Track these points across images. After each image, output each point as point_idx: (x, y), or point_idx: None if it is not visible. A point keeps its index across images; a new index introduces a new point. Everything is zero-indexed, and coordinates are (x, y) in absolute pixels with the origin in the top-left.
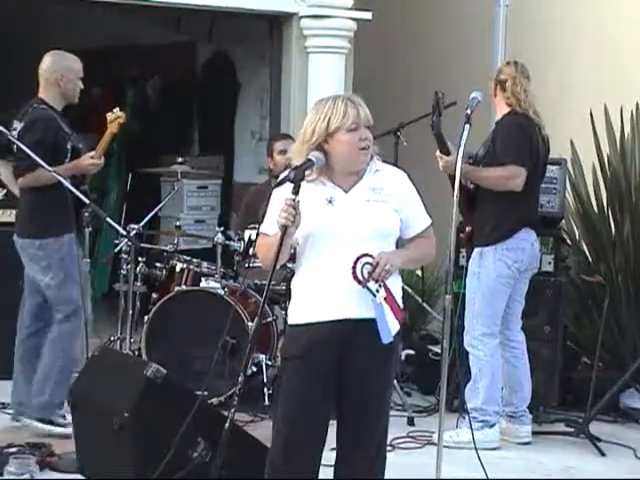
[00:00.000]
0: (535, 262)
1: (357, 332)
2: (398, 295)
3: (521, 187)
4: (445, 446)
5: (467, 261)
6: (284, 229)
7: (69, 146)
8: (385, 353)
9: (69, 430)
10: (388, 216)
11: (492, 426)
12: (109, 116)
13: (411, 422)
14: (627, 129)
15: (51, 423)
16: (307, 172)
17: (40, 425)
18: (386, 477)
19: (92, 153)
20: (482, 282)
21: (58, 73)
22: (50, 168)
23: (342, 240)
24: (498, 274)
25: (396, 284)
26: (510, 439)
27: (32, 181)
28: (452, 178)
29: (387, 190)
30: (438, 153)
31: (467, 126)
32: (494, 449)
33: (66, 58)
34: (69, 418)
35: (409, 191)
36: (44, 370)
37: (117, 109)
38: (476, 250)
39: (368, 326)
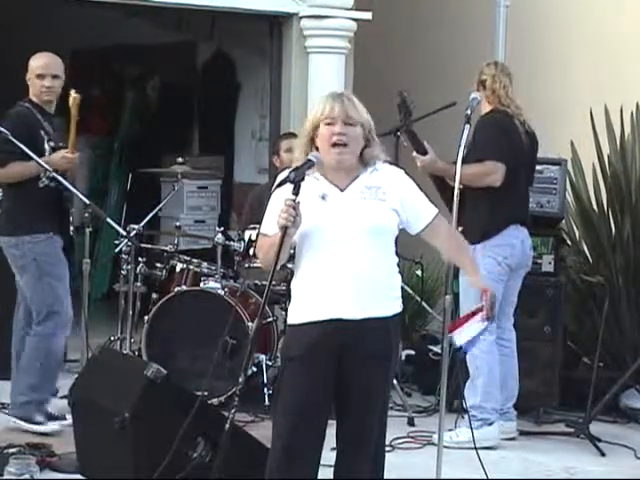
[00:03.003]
0: (527, 259)
1: (356, 332)
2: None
3: (499, 183)
4: (445, 446)
5: None
6: (284, 230)
7: (48, 146)
8: (384, 353)
9: (48, 428)
10: (384, 214)
11: (491, 424)
12: (70, 101)
13: (411, 422)
14: (627, 129)
15: (30, 421)
16: (305, 172)
17: (20, 422)
18: (386, 477)
19: (65, 151)
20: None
21: (28, 74)
22: (44, 164)
23: (337, 238)
24: (488, 271)
25: (395, 284)
26: (495, 436)
27: (3, 176)
28: (432, 178)
29: (384, 189)
30: (415, 154)
31: (467, 126)
32: (494, 448)
33: (33, 58)
34: (68, 415)
35: (408, 186)
36: (21, 370)
37: (73, 91)
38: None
39: (367, 326)
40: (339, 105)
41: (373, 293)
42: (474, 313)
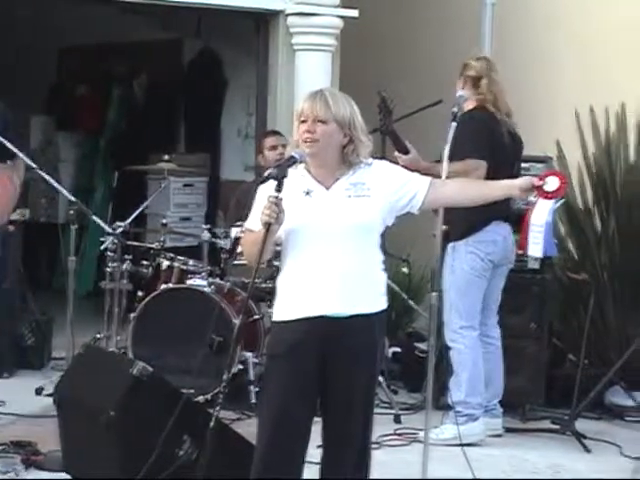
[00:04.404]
0: (509, 256)
1: (341, 328)
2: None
3: (481, 180)
4: (431, 443)
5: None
6: (267, 226)
7: None
8: (369, 350)
9: None
10: (368, 211)
11: (476, 419)
12: None
13: (397, 420)
14: (612, 129)
15: None
16: (288, 169)
17: None
18: (372, 476)
19: None
20: (456, 275)
21: None
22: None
23: (322, 236)
24: (471, 267)
25: (380, 280)
26: (480, 432)
27: None
28: None
29: (369, 185)
30: (396, 153)
31: (454, 124)
32: (480, 445)
33: None
34: None
35: (393, 173)
36: None
37: None
38: (450, 245)
39: (352, 322)
40: (311, 103)
41: (358, 290)
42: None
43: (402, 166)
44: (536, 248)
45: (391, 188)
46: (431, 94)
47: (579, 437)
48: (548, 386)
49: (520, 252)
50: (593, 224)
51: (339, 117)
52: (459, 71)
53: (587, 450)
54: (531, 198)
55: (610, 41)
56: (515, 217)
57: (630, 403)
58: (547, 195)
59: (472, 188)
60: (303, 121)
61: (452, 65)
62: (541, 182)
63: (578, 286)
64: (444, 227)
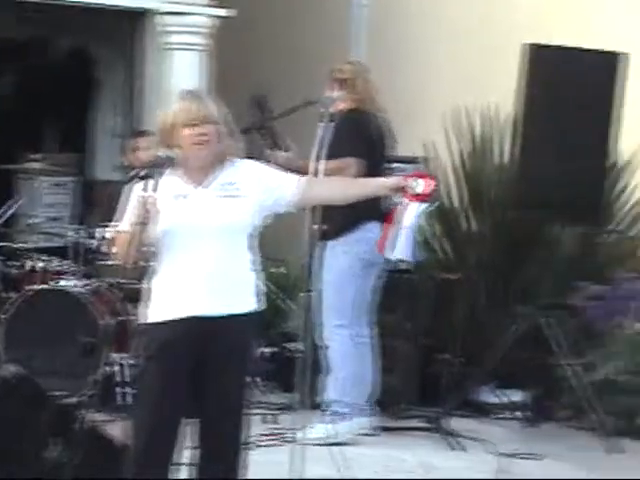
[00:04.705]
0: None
1: (212, 329)
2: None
3: (356, 178)
4: (305, 443)
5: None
6: (138, 227)
7: None
8: (240, 351)
9: None
10: (238, 211)
11: (350, 418)
12: None
13: (272, 420)
14: (485, 128)
15: None
16: (159, 169)
17: None
18: (247, 476)
19: None
20: (332, 274)
21: None
22: None
23: (193, 236)
24: (348, 265)
25: (251, 280)
26: (353, 431)
27: None
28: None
29: (240, 184)
30: (270, 151)
31: (324, 124)
32: (354, 444)
33: None
34: None
35: (263, 172)
36: None
37: None
38: (328, 243)
39: (223, 323)
40: (198, 105)
41: (228, 290)
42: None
43: (280, 164)
44: (398, 250)
45: (260, 187)
46: (308, 94)
47: (451, 435)
48: (421, 385)
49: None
50: (465, 223)
51: (218, 117)
52: (330, 74)
53: (459, 448)
54: (397, 199)
55: (481, 39)
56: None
57: (500, 401)
58: (414, 197)
59: (343, 187)
60: (192, 124)
61: (327, 65)
62: (407, 183)
63: (450, 285)
64: (320, 226)
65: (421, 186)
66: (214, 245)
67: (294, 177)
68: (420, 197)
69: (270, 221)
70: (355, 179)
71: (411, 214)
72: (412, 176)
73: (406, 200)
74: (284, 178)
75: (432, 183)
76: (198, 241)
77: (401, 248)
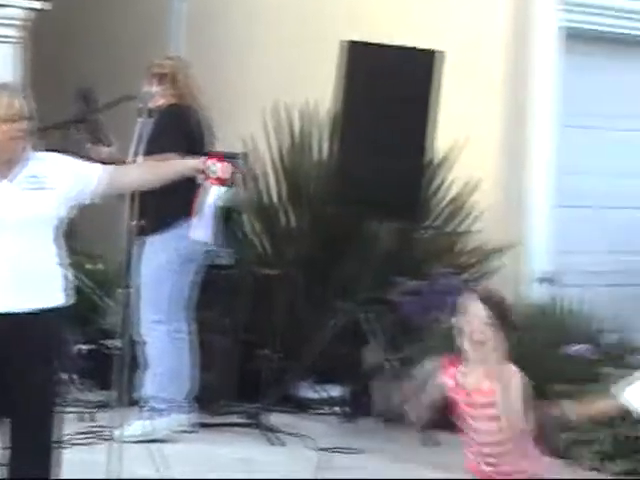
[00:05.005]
0: (203, 251)
1: (16, 325)
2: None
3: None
4: (123, 441)
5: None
6: None
7: None
8: (45, 347)
9: None
10: (46, 203)
11: (167, 415)
12: None
13: (88, 418)
14: (304, 124)
15: None
16: None
17: None
18: (62, 476)
19: None
20: (151, 270)
21: None
22: None
23: (1, 229)
24: (166, 261)
25: (57, 275)
26: (171, 427)
27: None
28: None
29: (45, 177)
30: (91, 145)
31: (141, 120)
32: (173, 441)
33: None
34: None
35: (66, 164)
36: None
37: None
38: (145, 239)
39: (27, 318)
40: (17, 100)
41: (33, 284)
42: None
43: (102, 160)
44: (200, 232)
45: (65, 179)
46: (130, 88)
47: (269, 431)
48: (240, 381)
49: (214, 248)
50: (284, 219)
51: (31, 113)
52: (149, 69)
53: (278, 443)
54: (200, 182)
55: (300, 36)
56: None
57: (318, 396)
58: (215, 180)
59: (152, 169)
60: (13, 120)
61: (147, 60)
62: (207, 166)
63: (270, 281)
64: (138, 222)
65: (219, 170)
66: (18, 238)
67: (98, 167)
68: (219, 180)
69: (76, 212)
70: (161, 162)
71: (211, 197)
72: (212, 159)
73: (208, 183)
74: (88, 168)
75: (230, 167)
76: (2, 235)
77: (201, 230)
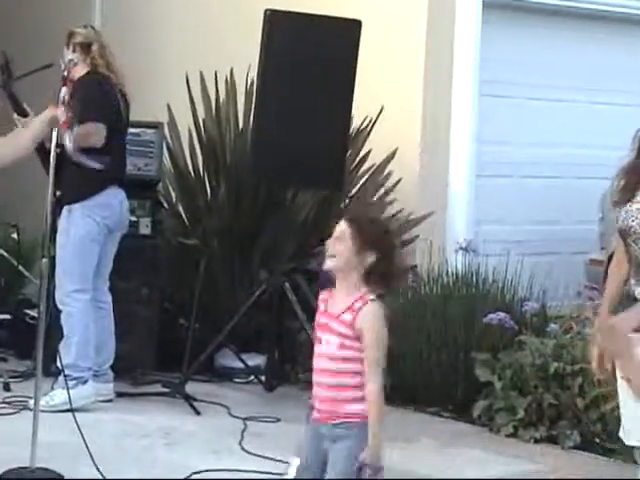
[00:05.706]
0: (124, 221)
1: None
2: None
3: (101, 143)
4: (42, 410)
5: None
6: None
7: None
8: None
9: None
10: None
11: (85, 382)
12: None
13: (7, 388)
14: (222, 94)
15: None
16: None
17: None
18: None
19: None
20: (71, 239)
21: None
22: None
23: None
24: (87, 231)
25: None
26: (90, 397)
27: None
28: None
29: None
30: (15, 116)
31: (64, 88)
32: (91, 411)
33: None
34: None
35: None
36: None
37: None
38: (65, 208)
39: None
40: None
41: None
42: None
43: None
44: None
45: None
46: (42, 58)
47: (189, 399)
48: (159, 350)
49: (133, 218)
50: (204, 190)
51: None
52: (66, 37)
53: (197, 412)
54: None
55: (221, 4)
56: (129, 183)
57: (238, 365)
58: (64, 124)
59: (12, 139)
60: None
61: (63, 28)
62: (56, 112)
63: (189, 251)
64: (55, 191)
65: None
66: None
67: None
68: (66, 123)
69: None
70: (17, 131)
71: (66, 139)
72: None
73: (62, 129)
74: None
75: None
76: None
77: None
